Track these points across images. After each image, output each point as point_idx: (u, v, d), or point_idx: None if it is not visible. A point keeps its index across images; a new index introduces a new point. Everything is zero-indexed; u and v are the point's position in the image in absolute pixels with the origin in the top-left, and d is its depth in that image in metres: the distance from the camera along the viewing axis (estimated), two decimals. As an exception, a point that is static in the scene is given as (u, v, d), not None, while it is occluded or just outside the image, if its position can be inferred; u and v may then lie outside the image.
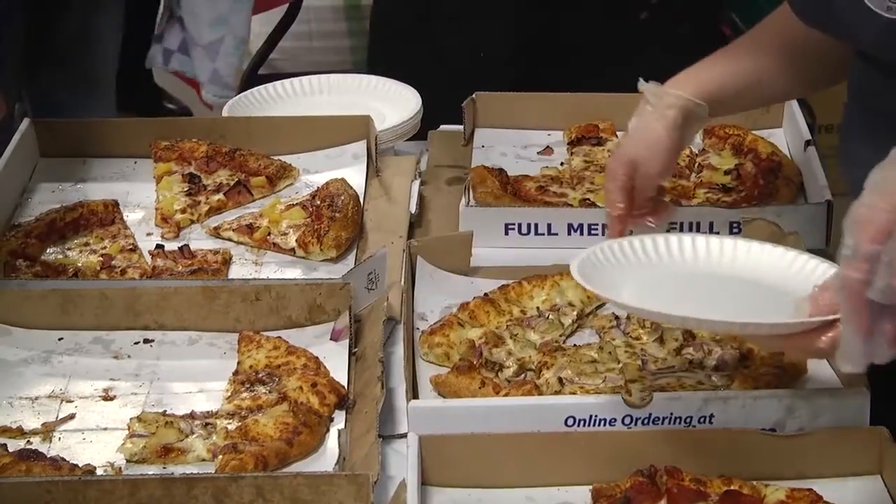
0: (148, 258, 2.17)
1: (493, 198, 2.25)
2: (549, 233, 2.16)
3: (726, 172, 2.34)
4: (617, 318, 1.98)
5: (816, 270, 1.73)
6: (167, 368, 1.94)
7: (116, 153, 2.45)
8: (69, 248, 2.20)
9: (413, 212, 2.27)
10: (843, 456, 1.69)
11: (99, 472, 1.72)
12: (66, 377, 1.91)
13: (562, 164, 2.42)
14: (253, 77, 4.18)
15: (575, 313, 1.99)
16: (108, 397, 1.88)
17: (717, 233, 2.07)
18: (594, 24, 2.89)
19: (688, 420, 1.76)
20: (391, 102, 2.59)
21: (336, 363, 1.91)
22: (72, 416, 1.84)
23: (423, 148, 2.51)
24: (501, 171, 2.33)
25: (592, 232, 2.17)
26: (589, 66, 2.83)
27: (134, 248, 2.20)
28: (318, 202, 2.23)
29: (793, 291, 1.67)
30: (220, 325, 2.00)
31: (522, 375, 1.89)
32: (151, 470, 1.73)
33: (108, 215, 2.27)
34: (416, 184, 2.34)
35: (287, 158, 2.42)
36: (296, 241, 2.18)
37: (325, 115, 2.50)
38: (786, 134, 2.47)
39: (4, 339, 1.98)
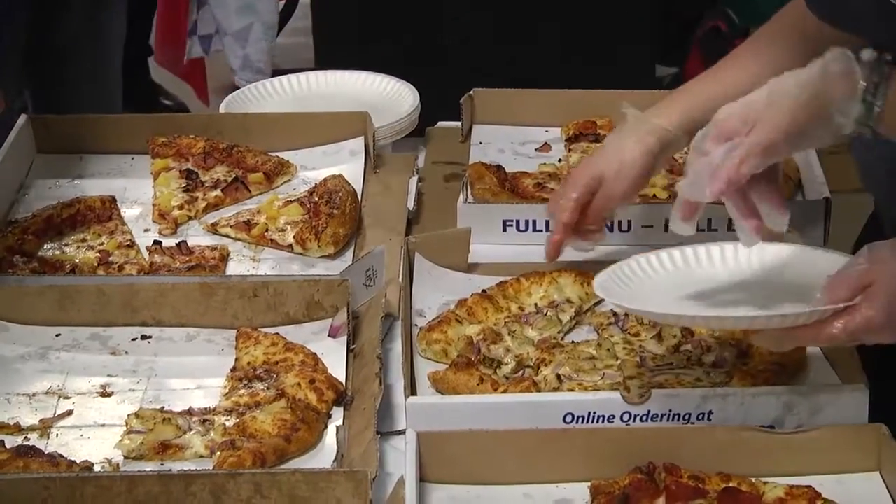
0: (145, 254, 2.17)
1: (491, 194, 2.24)
2: (547, 229, 2.15)
3: (724, 169, 2.33)
4: (615, 315, 1.98)
5: (830, 262, 1.72)
6: (165, 365, 1.93)
7: (113, 149, 2.45)
8: (66, 245, 2.20)
9: (411, 208, 2.27)
10: (841, 453, 1.68)
11: (97, 468, 1.72)
12: (63, 373, 1.91)
13: (559, 160, 2.42)
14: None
15: (573, 310, 1.99)
16: (105, 393, 1.88)
17: (716, 230, 2.06)
18: None
19: (686, 417, 1.76)
20: (389, 99, 2.58)
21: (334, 360, 1.91)
22: (69, 413, 1.84)
23: (421, 144, 2.51)
24: (499, 167, 2.33)
25: (589, 230, 2.17)
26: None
27: (131, 245, 2.19)
28: (316, 199, 2.23)
29: (809, 284, 1.68)
30: (217, 322, 1.99)
31: (520, 372, 1.89)
32: (149, 467, 1.73)
33: (105, 211, 2.27)
34: (414, 180, 2.34)
35: (285, 155, 2.41)
36: (293, 237, 2.17)
37: (322, 111, 2.50)
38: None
39: (1, 335, 1.97)
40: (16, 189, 2.34)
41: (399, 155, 2.46)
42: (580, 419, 1.76)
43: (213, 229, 2.24)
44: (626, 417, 1.76)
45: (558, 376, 1.85)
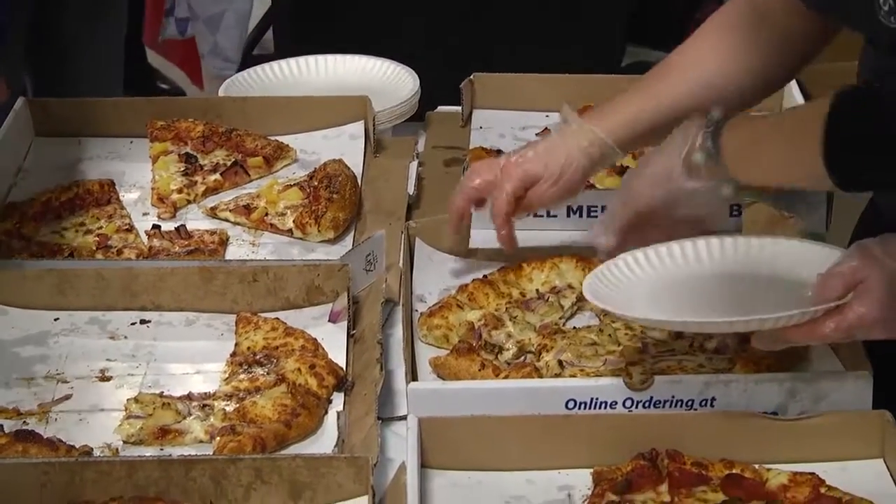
0: (144, 238, 2.16)
1: (492, 179, 2.23)
2: (549, 215, 2.14)
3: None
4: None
5: (820, 256, 1.72)
6: (164, 349, 1.92)
7: (112, 133, 2.44)
8: (65, 229, 2.18)
9: (411, 193, 2.26)
10: (845, 440, 1.68)
11: (96, 453, 1.71)
12: (62, 358, 1.90)
13: (560, 145, 2.41)
14: (248, 57, 4.16)
15: (575, 295, 1.98)
16: (104, 378, 1.87)
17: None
18: None
19: (689, 403, 1.75)
20: (389, 83, 2.57)
21: (334, 345, 1.90)
22: (68, 397, 1.83)
23: (421, 129, 2.50)
24: (500, 152, 2.31)
25: (592, 213, 2.16)
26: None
27: (130, 229, 2.18)
28: (316, 183, 2.22)
29: (799, 280, 1.68)
30: (217, 306, 1.98)
31: (522, 358, 1.88)
32: (148, 452, 1.72)
33: (103, 195, 2.26)
34: (415, 165, 2.32)
35: (284, 139, 2.40)
36: (293, 222, 2.16)
37: (322, 95, 2.49)
38: (785, 117, 2.46)
39: (0, 319, 1.96)
40: (14, 172, 2.33)
41: (399, 139, 2.45)
42: (582, 405, 1.75)
43: (213, 213, 2.23)
44: (628, 404, 1.75)
45: (560, 362, 1.84)
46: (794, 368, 1.81)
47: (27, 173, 2.34)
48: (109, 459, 1.66)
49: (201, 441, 1.74)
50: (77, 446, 1.71)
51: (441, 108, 2.55)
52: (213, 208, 2.23)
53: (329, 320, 1.95)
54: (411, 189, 2.26)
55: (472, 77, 2.50)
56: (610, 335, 1.89)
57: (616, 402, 1.75)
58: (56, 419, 1.78)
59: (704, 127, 1.79)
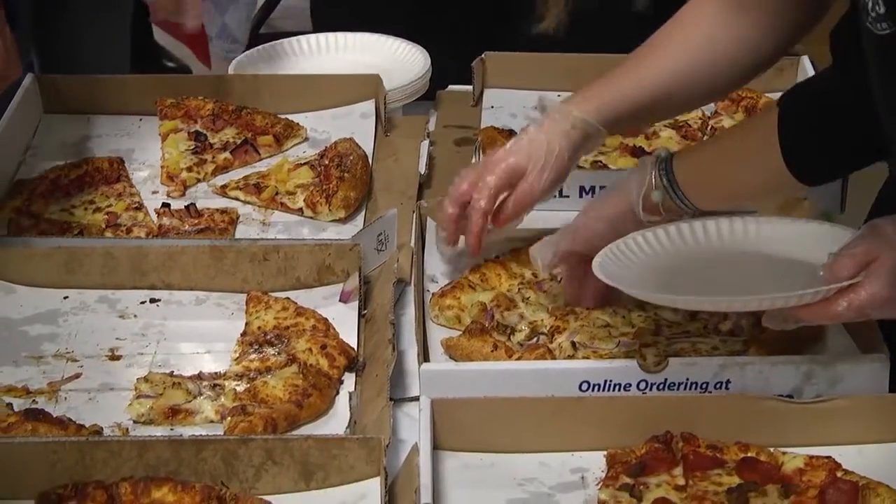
0: (154, 217, 2.15)
1: (504, 159, 2.21)
2: (561, 195, 2.12)
3: (740, 135, 2.31)
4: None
5: (833, 237, 1.71)
6: (174, 328, 1.91)
7: (121, 110, 2.42)
8: (74, 206, 2.17)
9: (422, 172, 2.24)
10: (861, 423, 1.67)
11: (106, 432, 1.70)
12: (71, 336, 1.89)
13: (573, 125, 2.39)
14: (255, 36, 4.15)
15: (587, 276, 1.97)
16: (114, 357, 1.85)
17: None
18: None
19: (704, 386, 1.74)
20: (400, 62, 2.55)
21: (345, 325, 1.88)
22: (77, 376, 1.81)
23: (432, 108, 2.48)
24: (511, 131, 2.30)
25: (604, 194, 2.14)
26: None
27: (139, 207, 2.17)
28: (327, 162, 2.20)
29: (811, 261, 1.66)
30: (227, 286, 1.97)
31: (535, 339, 1.86)
32: (158, 431, 1.71)
33: (113, 173, 2.24)
34: (426, 144, 2.31)
35: (294, 117, 2.39)
36: (304, 201, 2.15)
37: (333, 73, 2.47)
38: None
39: (9, 297, 1.95)
40: (23, 150, 2.31)
41: (410, 118, 2.44)
42: (596, 387, 1.74)
43: (223, 192, 2.22)
44: (642, 386, 1.74)
45: (573, 343, 1.82)
46: (809, 351, 1.79)
47: (36, 150, 2.32)
48: (119, 439, 1.65)
49: (212, 421, 1.73)
50: (87, 425, 1.70)
51: (452, 88, 2.53)
52: (223, 187, 2.22)
53: (340, 300, 1.94)
54: (423, 168, 2.25)
55: (483, 56, 2.48)
56: (623, 317, 1.88)
57: (630, 385, 1.74)
58: (66, 398, 1.77)
59: (657, 166, 1.83)
